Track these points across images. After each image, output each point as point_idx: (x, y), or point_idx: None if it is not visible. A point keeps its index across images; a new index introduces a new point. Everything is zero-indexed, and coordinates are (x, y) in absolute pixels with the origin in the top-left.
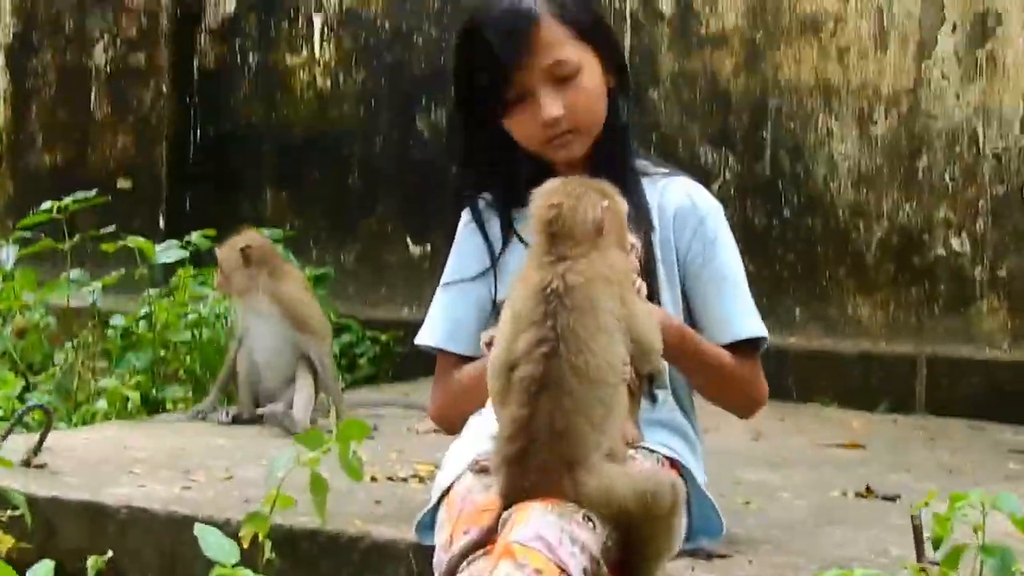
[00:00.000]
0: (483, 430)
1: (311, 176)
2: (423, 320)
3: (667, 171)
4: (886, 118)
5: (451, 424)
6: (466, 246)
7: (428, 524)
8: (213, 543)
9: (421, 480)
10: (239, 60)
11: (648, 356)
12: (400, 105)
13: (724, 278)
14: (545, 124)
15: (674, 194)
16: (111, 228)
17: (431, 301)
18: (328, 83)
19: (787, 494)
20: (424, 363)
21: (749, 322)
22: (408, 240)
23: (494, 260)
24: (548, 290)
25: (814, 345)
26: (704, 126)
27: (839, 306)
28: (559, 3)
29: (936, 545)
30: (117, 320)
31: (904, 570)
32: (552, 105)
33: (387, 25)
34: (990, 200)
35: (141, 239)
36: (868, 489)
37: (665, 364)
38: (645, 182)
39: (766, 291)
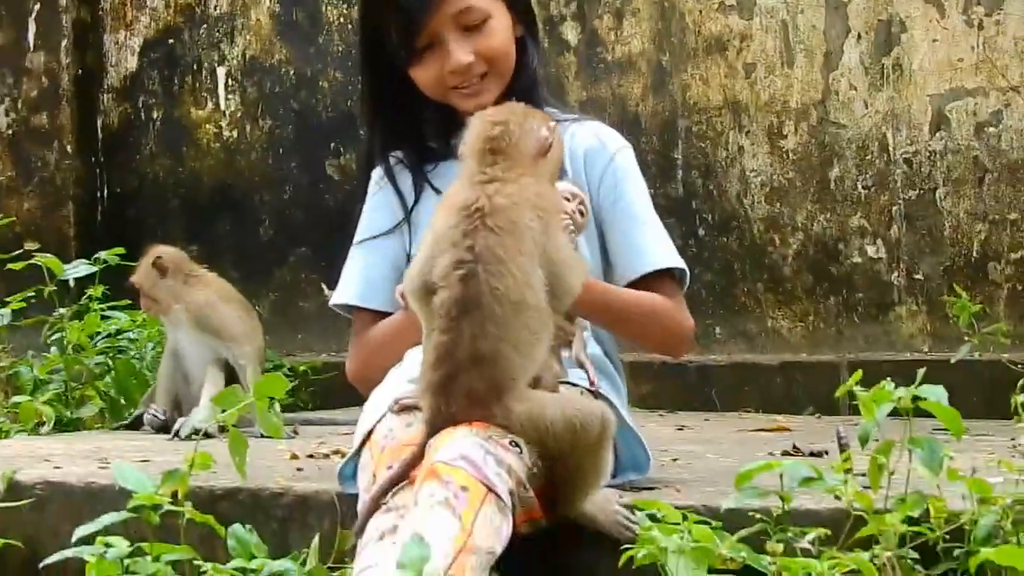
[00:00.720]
0: (403, 376)
1: (221, 228)
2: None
3: (576, 116)
4: (796, 131)
5: (370, 381)
6: (378, 202)
7: (351, 474)
8: (130, 476)
9: (344, 455)
10: (143, 116)
11: (560, 294)
12: (308, 151)
13: (636, 213)
14: (454, 71)
15: (583, 136)
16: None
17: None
18: (235, 134)
19: (714, 455)
20: (343, 393)
21: (664, 254)
22: (323, 287)
23: (407, 212)
24: (472, 208)
25: (736, 360)
26: None
27: (759, 321)
28: None
29: (864, 439)
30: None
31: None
32: (461, 52)
33: (291, 72)
34: (903, 205)
35: (49, 256)
36: (795, 448)
37: None
38: None
39: None
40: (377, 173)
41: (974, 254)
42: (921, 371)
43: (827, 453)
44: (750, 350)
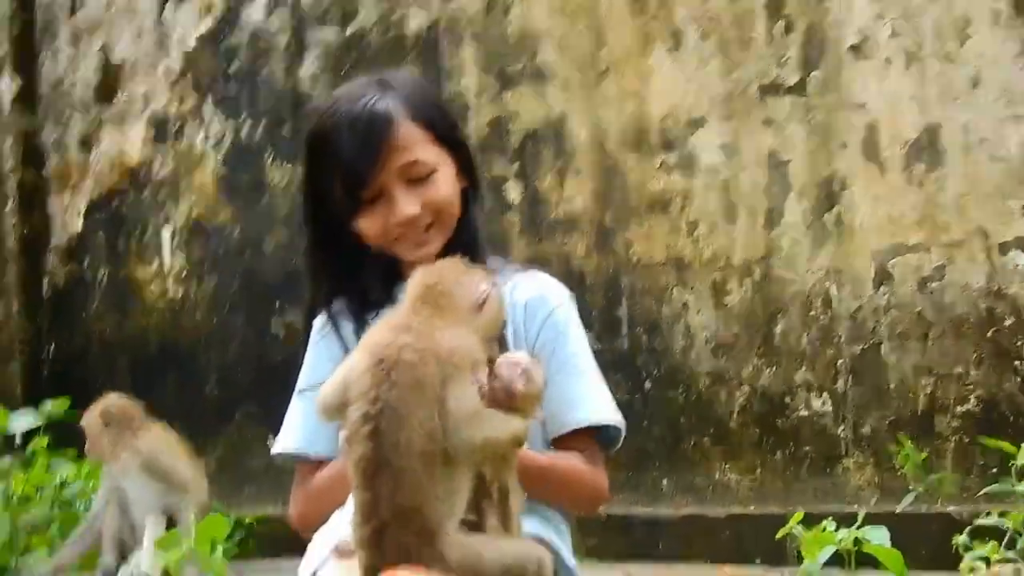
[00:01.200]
0: (345, 518)
1: (167, 385)
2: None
3: (518, 268)
4: (740, 287)
5: (314, 528)
6: (320, 351)
7: None
8: None
9: None
10: (89, 276)
11: (455, 446)
12: (253, 309)
13: (574, 366)
14: (401, 223)
15: (525, 287)
16: None
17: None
18: (180, 292)
19: None
20: (290, 543)
21: (594, 409)
22: (269, 441)
23: None
24: (379, 359)
25: (683, 513)
26: None
27: (706, 474)
28: (413, 104)
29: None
30: None
31: None
32: (407, 204)
33: (236, 232)
34: (849, 359)
35: None
36: None
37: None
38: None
39: (632, 465)
40: (319, 322)
41: (920, 407)
42: (862, 512)
43: None
44: (698, 503)
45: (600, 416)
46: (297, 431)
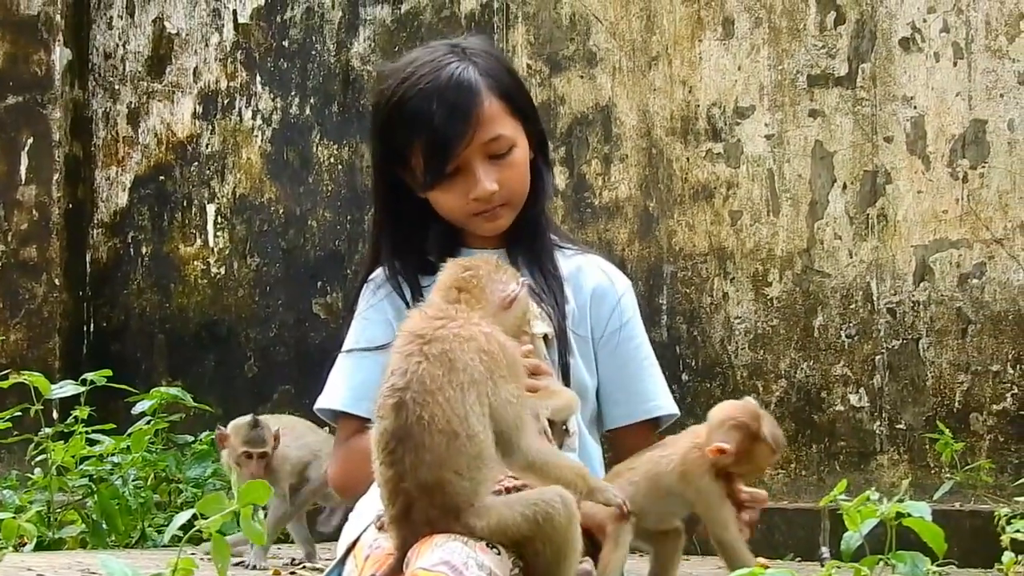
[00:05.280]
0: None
1: (206, 364)
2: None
3: (576, 248)
4: (781, 279)
5: (352, 489)
6: (370, 315)
7: None
8: (115, 568)
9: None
10: (132, 252)
11: (504, 448)
12: (295, 290)
13: (643, 356)
14: (478, 198)
15: (591, 271)
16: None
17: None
18: (222, 270)
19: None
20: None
21: (663, 400)
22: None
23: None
24: (414, 336)
25: None
26: None
27: None
28: (495, 77)
29: (847, 551)
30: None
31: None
32: (487, 180)
33: (281, 211)
34: (887, 354)
35: (36, 374)
36: None
37: (575, 429)
38: (557, 255)
39: None
40: (371, 286)
41: (956, 404)
42: (905, 482)
43: None
44: None
45: (665, 408)
46: (342, 389)
